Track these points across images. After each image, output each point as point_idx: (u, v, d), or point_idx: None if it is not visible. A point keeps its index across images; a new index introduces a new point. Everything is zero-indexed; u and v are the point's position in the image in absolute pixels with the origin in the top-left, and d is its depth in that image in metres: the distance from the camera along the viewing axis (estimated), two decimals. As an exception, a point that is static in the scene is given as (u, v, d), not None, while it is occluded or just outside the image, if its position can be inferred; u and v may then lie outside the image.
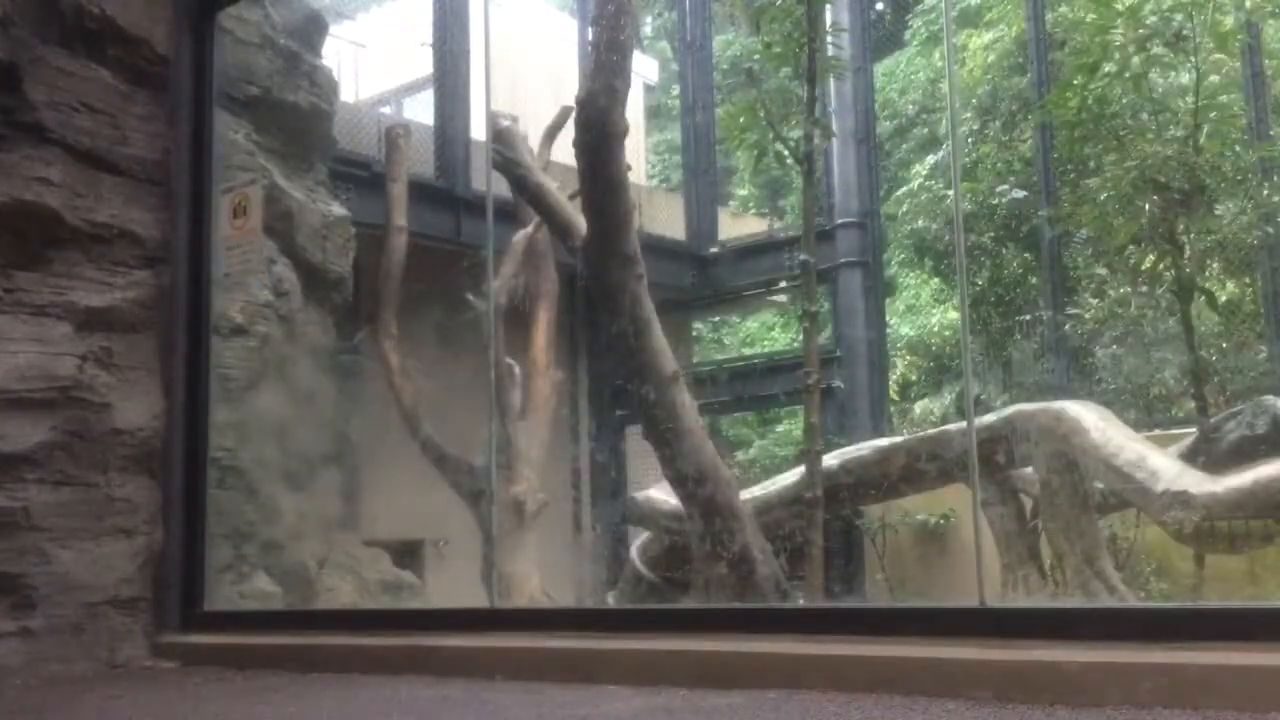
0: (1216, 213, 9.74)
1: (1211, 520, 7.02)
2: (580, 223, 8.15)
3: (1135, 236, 10.07)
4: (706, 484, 7.17)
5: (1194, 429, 8.43)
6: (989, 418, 8.19)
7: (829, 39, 8.34)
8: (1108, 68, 9.70)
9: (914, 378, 16.04)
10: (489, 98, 9.44)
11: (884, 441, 9.55)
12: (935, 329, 15.79)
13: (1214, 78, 9.86)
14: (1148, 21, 9.23)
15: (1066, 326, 11.57)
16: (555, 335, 10.03)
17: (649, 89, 18.99)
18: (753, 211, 20.60)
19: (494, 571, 7.57)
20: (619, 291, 7.23)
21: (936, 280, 15.96)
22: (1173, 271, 9.91)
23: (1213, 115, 9.59)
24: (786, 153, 8.50)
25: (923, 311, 16.72)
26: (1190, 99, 9.51)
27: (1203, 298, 10.21)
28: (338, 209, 8.32)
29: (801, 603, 6.95)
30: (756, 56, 9.63)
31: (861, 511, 10.31)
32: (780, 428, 17.18)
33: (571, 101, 7.49)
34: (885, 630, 3.77)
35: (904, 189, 15.47)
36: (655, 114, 20.96)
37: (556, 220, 8.98)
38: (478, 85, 11.25)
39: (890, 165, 16.80)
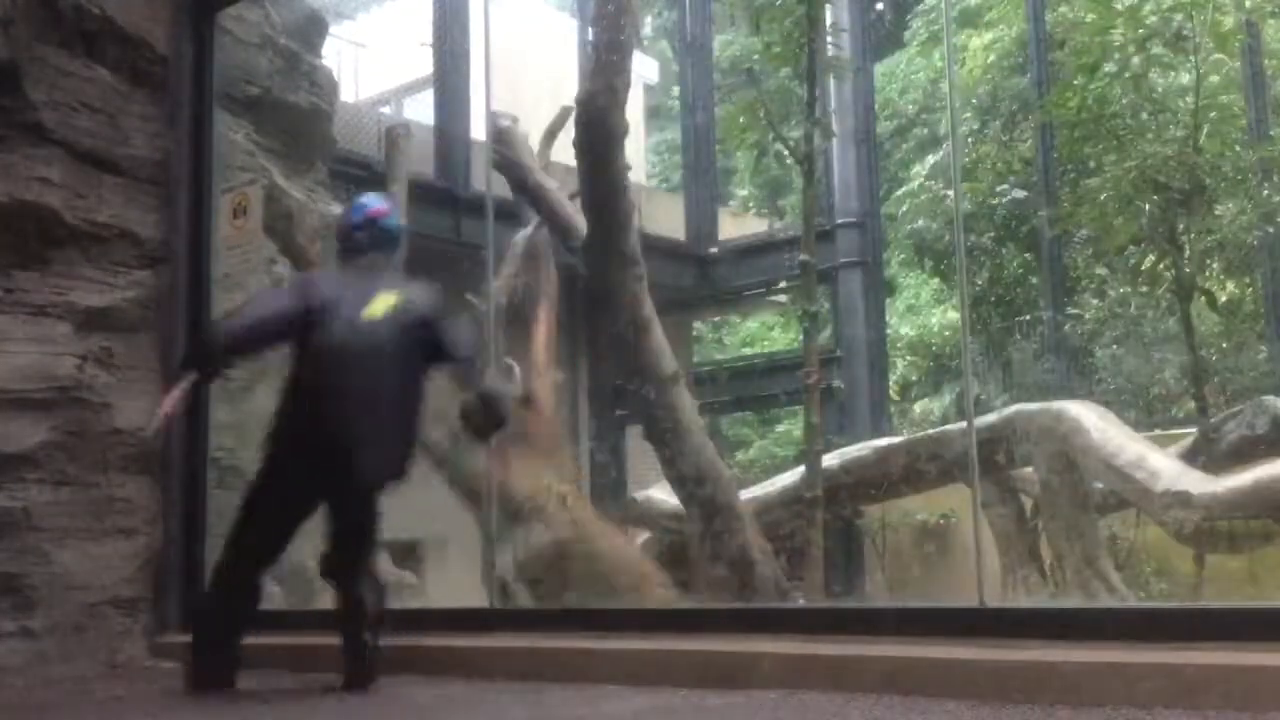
0: (1216, 213, 9.73)
1: (1212, 520, 7.02)
2: (580, 223, 8.14)
3: (1135, 236, 10.07)
4: (706, 484, 7.17)
5: (1194, 429, 8.42)
6: (989, 418, 8.18)
7: (829, 39, 8.33)
8: (1108, 68, 9.70)
9: (914, 378, 16.03)
10: (489, 98, 9.42)
11: (884, 441, 9.55)
12: (935, 329, 15.78)
13: (1214, 78, 9.86)
14: (1148, 21, 9.23)
15: (1066, 326, 11.56)
16: (555, 335, 10.01)
17: (649, 89, 18.96)
18: (753, 211, 20.58)
19: (494, 571, 7.56)
20: (619, 291, 7.23)
21: (936, 280, 15.95)
22: (1173, 271, 9.91)
23: (1213, 115, 9.59)
24: (786, 153, 8.50)
25: (923, 311, 16.71)
26: (1190, 99, 9.51)
27: (1203, 298, 10.22)
28: (338, 209, 8.30)
29: (801, 603, 6.94)
30: (756, 56, 9.62)
31: (861, 511, 10.30)
32: (780, 428, 17.17)
33: (571, 101, 7.49)
34: (885, 630, 3.77)
35: (904, 189, 15.46)
36: (655, 114, 20.94)
37: (556, 220, 8.96)
38: (478, 85, 11.24)
39: (890, 165, 16.77)
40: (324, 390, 4.09)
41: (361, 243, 4.40)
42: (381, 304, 4.13)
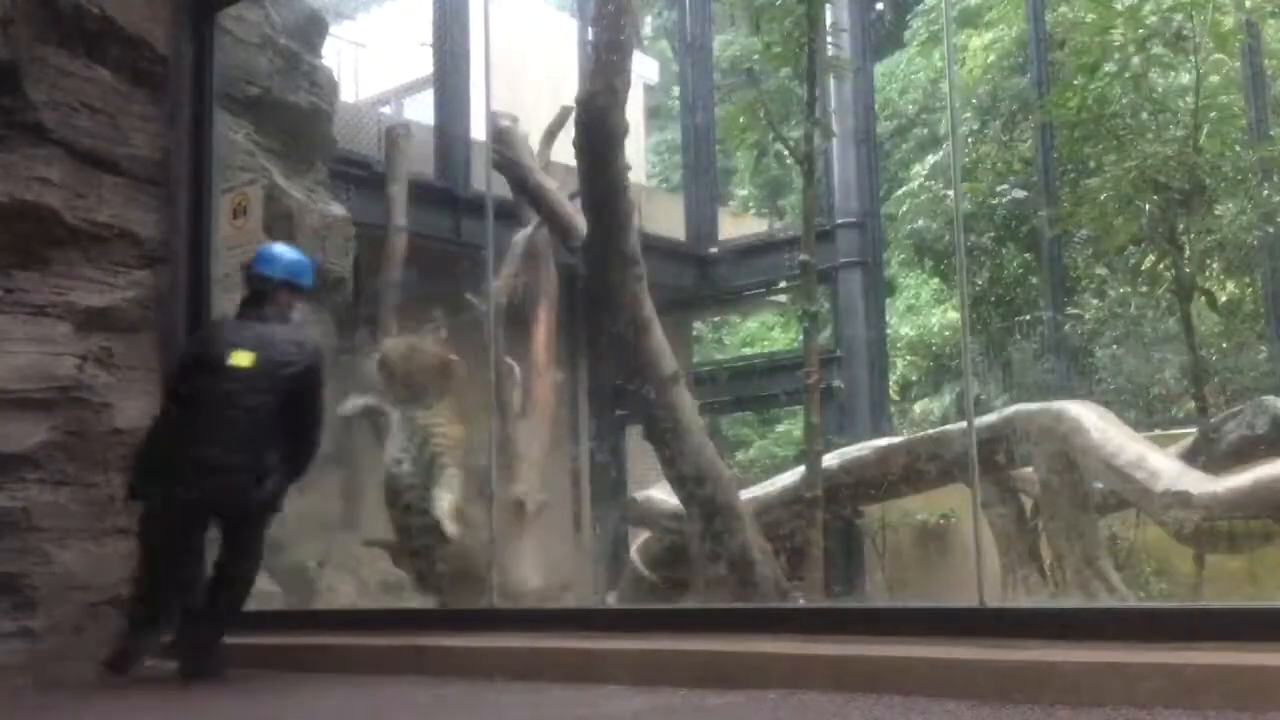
0: (1216, 213, 9.73)
1: (1212, 520, 7.01)
2: (580, 223, 8.14)
3: (1135, 236, 10.06)
4: (706, 484, 7.16)
5: (1194, 429, 8.41)
6: (989, 418, 8.17)
7: (829, 39, 8.32)
8: (1108, 68, 9.69)
9: (914, 378, 16.03)
10: (489, 98, 9.42)
11: (884, 441, 9.54)
12: (935, 329, 15.78)
13: (1214, 78, 9.85)
14: (1148, 21, 9.22)
15: (1066, 326, 11.55)
16: (555, 335, 10.01)
17: (649, 89, 18.96)
18: (753, 211, 20.59)
19: (493, 571, 7.56)
20: (619, 291, 7.22)
21: (936, 280, 15.94)
22: (1173, 271, 9.90)
23: (1213, 115, 9.58)
24: (786, 153, 8.48)
25: (923, 311, 16.70)
26: (1190, 99, 9.50)
27: (1203, 298, 10.21)
28: (338, 209, 8.32)
29: (801, 603, 6.94)
30: (756, 56, 9.61)
31: (861, 511, 10.30)
32: (780, 428, 17.17)
33: (571, 101, 7.48)
34: (885, 630, 3.78)
35: (904, 189, 15.45)
36: (655, 114, 20.94)
37: (556, 220, 8.97)
38: (478, 85, 11.24)
39: (890, 165, 16.77)
40: (186, 429, 4.54)
41: (250, 289, 4.89)
42: (246, 354, 4.57)
